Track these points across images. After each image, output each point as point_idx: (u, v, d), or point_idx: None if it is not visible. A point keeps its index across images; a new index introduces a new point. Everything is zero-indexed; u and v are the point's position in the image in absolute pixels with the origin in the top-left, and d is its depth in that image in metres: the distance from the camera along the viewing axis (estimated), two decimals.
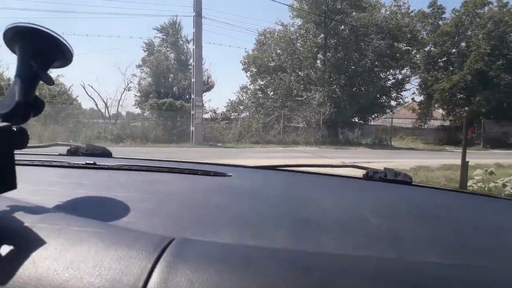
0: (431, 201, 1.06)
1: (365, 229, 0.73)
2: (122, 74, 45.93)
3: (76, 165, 1.11)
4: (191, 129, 16.43)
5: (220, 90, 54.03)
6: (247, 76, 27.33)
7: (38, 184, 0.87)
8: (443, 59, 27.11)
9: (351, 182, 1.23)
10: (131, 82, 25.48)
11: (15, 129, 0.54)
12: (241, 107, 26.67)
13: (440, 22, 25.86)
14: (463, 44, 25.09)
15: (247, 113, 25.17)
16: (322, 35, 22.24)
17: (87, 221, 0.60)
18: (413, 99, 25.26)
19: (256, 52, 25.70)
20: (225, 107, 25.69)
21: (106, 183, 0.96)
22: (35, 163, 1.11)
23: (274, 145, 18.37)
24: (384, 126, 25.24)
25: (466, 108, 23.83)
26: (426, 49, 25.99)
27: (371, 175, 1.21)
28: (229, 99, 25.65)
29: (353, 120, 22.23)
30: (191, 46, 20.89)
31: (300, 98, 21.68)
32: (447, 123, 27.84)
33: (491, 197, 1.22)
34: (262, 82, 26.88)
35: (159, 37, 26.65)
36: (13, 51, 0.60)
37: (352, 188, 1.14)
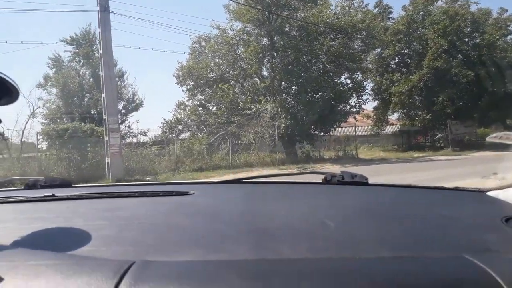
0: (385, 199, 1.12)
1: (322, 232, 0.76)
2: (25, 98, 37.69)
3: (34, 198, 1.09)
4: (107, 160, 11.99)
5: (153, 108, 47.38)
6: (183, 91, 23.30)
7: None
8: (396, 60, 25.15)
9: (310, 188, 1.30)
10: (38, 107, 20.13)
11: None
12: (180, 127, 22.40)
13: (389, 22, 23.79)
14: (416, 43, 23.10)
15: (188, 133, 21.09)
16: (267, 37, 18.89)
17: (44, 253, 0.60)
18: (359, 106, 22.41)
19: (191, 63, 21.80)
20: (160, 127, 21.26)
21: (65, 214, 0.95)
22: None
23: (223, 170, 14.45)
24: (344, 137, 22.35)
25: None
26: (375, 51, 23.76)
27: (329, 179, 1.22)
28: (164, 119, 21.16)
29: (313, 132, 18.87)
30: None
31: (248, 111, 17.99)
32: (404, 127, 25.79)
33: (440, 189, 1.25)
34: (202, 97, 22.95)
35: (70, 51, 21.81)
36: None
37: (311, 194, 1.22)
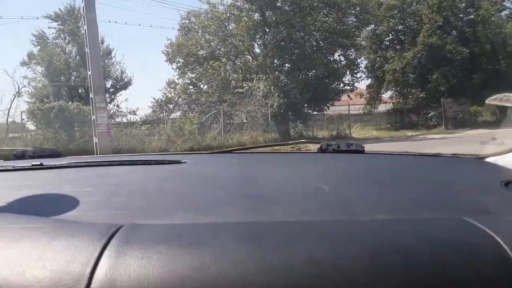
0: (382, 166, 1.09)
1: (317, 197, 0.75)
2: (10, 76, 34.64)
3: (22, 167, 1.06)
4: (95, 140, 11.63)
5: (144, 87, 46.13)
6: (173, 69, 22.73)
7: None
8: (390, 37, 24.71)
9: (306, 156, 1.31)
10: (24, 86, 19.40)
11: None
12: (170, 106, 21.92)
13: None
14: (411, 19, 22.63)
15: (179, 113, 20.69)
16: (258, 12, 18.29)
17: (29, 218, 0.60)
18: (353, 84, 21.98)
19: (181, 39, 21.16)
20: (150, 107, 20.75)
21: (52, 181, 0.93)
22: None
23: (215, 150, 14.17)
24: (337, 116, 22.12)
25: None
26: (369, 28, 23.28)
27: (325, 148, 1.20)
28: (154, 98, 20.63)
29: (306, 111, 18.57)
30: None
31: (240, 90, 17.59)
32: (397, 106, 25.61)
33: (438, 156, 1.22)
34: (192, 75, 22.42)
35: (54, 28, 20.94)
36: None
37: (306, 162, 1.19)
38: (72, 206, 0.69)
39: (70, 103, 13.45)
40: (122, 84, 21.40)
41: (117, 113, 20.54)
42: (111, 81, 21.54)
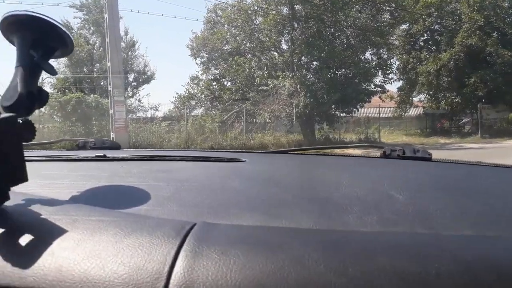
0: (454, 175, 1.04)
1: (391, 205, 0.71)
2: None
3: (86, 158, 1.09)
4: (112, 135, 11.12)
5: (167, 82, 45.78)
6: (197, 64, 22.18)
7: (48, 178, 0.85)
8: (424, 37, 23.37)
9: (368, 161, 1.22)
10: (47, 77, 19.19)
11: (20, 121, 0.52)
12: (193, 102, 21.38)
13: None
14: (449, 18, 21.26)
15: (201, 110, 20.14)
16: (287, 6, 17.42)
17: (102, 210, 0.60)
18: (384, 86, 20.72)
19: (206, 33, 20.56)
20: (172, 102, 20.23)
21: (118, 173, 0.94)
22: (43, 158, 1.11)
23: (238, 150, 13.49)
24: (365, 118, 21.05)
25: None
26: (402, 27, 22.03)
27: (389, 153, 1.16)
28: (176, 93, 20.11)
29: (333, 112, 17.60)
30: (122, 25, 15.48)
31: (265, 88, 16.82)
32: (429, 110, 24.26)
33: None
34: (216, 71, 21.81)
35: (79, 18, 20.68)
36: (11, 41, 0.57)
37: (370, 167, 1.13)
38: (140, 200, 0.68)
39: (89, 95, 12.99)
40: (145, 78, 21.02)
41: (138, 107, 20.14)
42: (133, 74, 21.18)
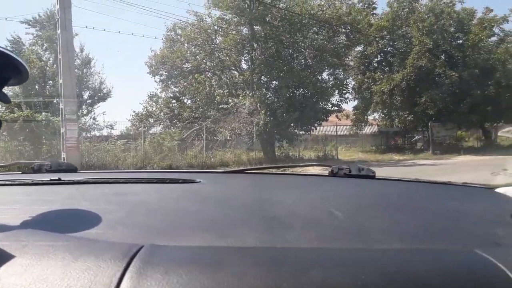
0: (394, 192, 1.11)
1: (331, 222, 0.75)
2: None
3: (41, 182, 1.09)
4: (62, 155, 10.59)
5: (124, 100, 44.60)
6: (156, 81, 21.83)
7: (1, 204, 0.85)
8: (378, 58, 24.45)
9: (317, 179, 1.29)
10: None
11: None
12: (151, 120, 20.91)
13: (372, 19, 22.87)
14: (400, 41, 22.42)
15: (160, 127, 19.72)
16: (247, 26, 17.66)
17: (53, 235, 0.61)
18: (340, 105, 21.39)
19: (165, 51, 20.37)
20: (129, 120, 19.66)
21: (72, 197, 0.95)
22: None
23: (195, 169, 13.23)
24: (323, 136, 21.49)
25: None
26: (357, 49, 22.97)
27: (336, 172, 1.20)
28: (134, 111, 19.60)
29: (293, 130, 17.84)
30: (78, 42, 14.95)
31: (225, 106, 16.82)
32: (383, 128, 25.24)
33: (449, 184, 1.23)
34: (176, 89, 21.57)
35: (32, 33, 19.84)
36: None
37: (318, 185, 1.20)
38: (92, 224, 0.68)
39: (39, 113, 12.35)
40: (101, 95, 20.37)
41: (93, 126, 19.41)
42: (89, 92, 20.48)
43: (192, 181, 1.10)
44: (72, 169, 1.37)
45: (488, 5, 28.57)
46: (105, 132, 17.77)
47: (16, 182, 1.11)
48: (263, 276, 0.47)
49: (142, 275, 0.46)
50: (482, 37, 20.67)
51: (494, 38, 22.03)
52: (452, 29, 21.53)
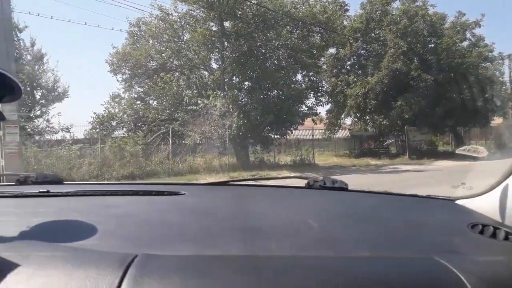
0: (364, 204, 1.17)
1: (307, 232, 0.81)
2: None
3: (30, 194, 1.11)
4: (1, 163, 8.94)
5: (84, 100, 41.84)
6: (118, 81, 20.15)
7: None
8: (352, 61, 23.89)
9: (295, 191, 1.36)
10: None
11: None
12: (114, 123, 19.20)
13: (345, 22, 22.26)
14: (374, 43, 21.94)
15: (123, 131, 18.08)
16: (216, 22, 16.41)
17: (51, 245, 0.65)
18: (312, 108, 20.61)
19: (128, 48, 18.79)
20: (89, 123, 17.85)
21: (63, 209, 0.97)
22: None
23: (160, 178, 11.84)
24: (296, 140, 20.60)
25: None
26: (329, 51, 22.29)
27: (312, 184, 1.26)
28: (94, 113, 17.85)
29: (267, 134, 16.73)
30: (28, 35, 13.09)
31: (194, 107, 15.49)
32: (356, 132, 24.73)
33: (415, 197, 1.29)
34: (140, 89, 19.99)
35: None
36: None
37: (295, 197, 1.27)
38: (86, 235, 0.71)
39: None
40: (56, 95, 18.41)
41: (46, 129, 17.46)
42: (42, 91, 18.48)
43: (177, 193, 1.15)
44: (57, 181, 1.37)
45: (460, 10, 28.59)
46: (62, 135, 15.92)
47: (6, 194, 1.12)
48: (246, 282, 0.52)
49: (138, 282, 0.49)
50: (456, 40, 20.52)
51: (466, 43, 22.01)
52: (425, 32, 21.29)
